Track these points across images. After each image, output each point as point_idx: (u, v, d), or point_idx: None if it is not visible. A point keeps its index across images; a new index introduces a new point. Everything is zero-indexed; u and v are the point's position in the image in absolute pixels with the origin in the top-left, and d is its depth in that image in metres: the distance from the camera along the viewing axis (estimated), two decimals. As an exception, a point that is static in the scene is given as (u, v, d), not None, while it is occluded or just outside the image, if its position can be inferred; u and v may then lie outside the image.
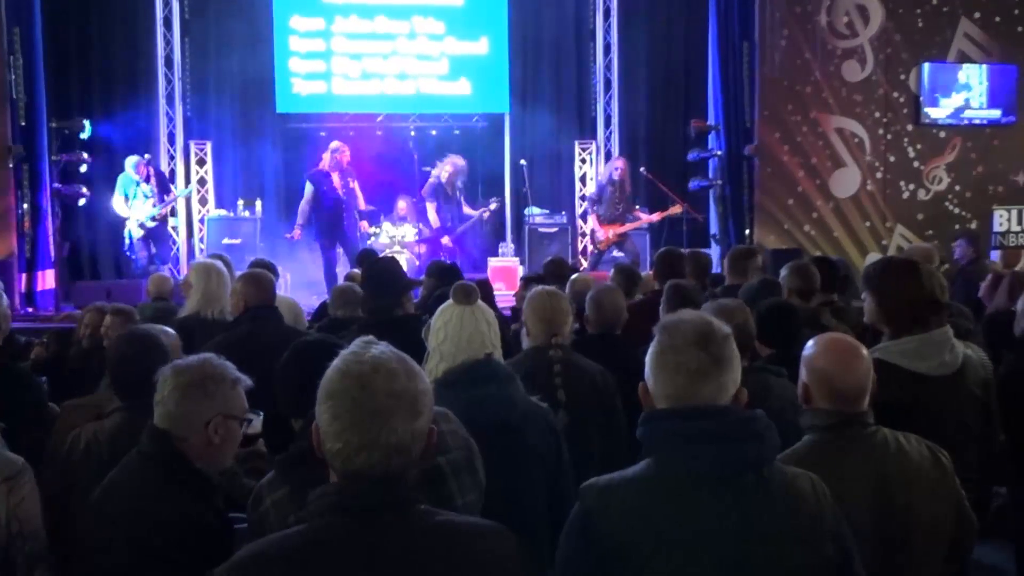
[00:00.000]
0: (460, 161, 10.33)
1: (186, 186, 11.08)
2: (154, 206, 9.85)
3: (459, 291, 2.70)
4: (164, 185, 10.31)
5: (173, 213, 10.67)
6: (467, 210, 10.37)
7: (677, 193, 10.95)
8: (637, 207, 10.61)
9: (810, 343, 2.38)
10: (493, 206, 10.68)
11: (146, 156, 10.22)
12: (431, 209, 10.11)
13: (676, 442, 1.81)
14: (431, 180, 10.25)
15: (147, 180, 9.89)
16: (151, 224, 9.83)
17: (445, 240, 10.00)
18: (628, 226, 10.17)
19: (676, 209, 10.30)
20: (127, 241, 9.96)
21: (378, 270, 4.29)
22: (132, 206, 9.80)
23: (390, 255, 6.59)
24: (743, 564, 1.76)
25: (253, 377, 2.34)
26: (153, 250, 9.99)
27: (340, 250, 9.81)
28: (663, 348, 1.88)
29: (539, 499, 2.54)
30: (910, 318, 2.95)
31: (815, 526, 1.82)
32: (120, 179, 9.89)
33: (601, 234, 10.09)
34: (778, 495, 1.81)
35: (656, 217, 10.45)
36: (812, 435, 2.30)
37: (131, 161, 9.94)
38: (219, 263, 4.69)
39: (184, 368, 2.26)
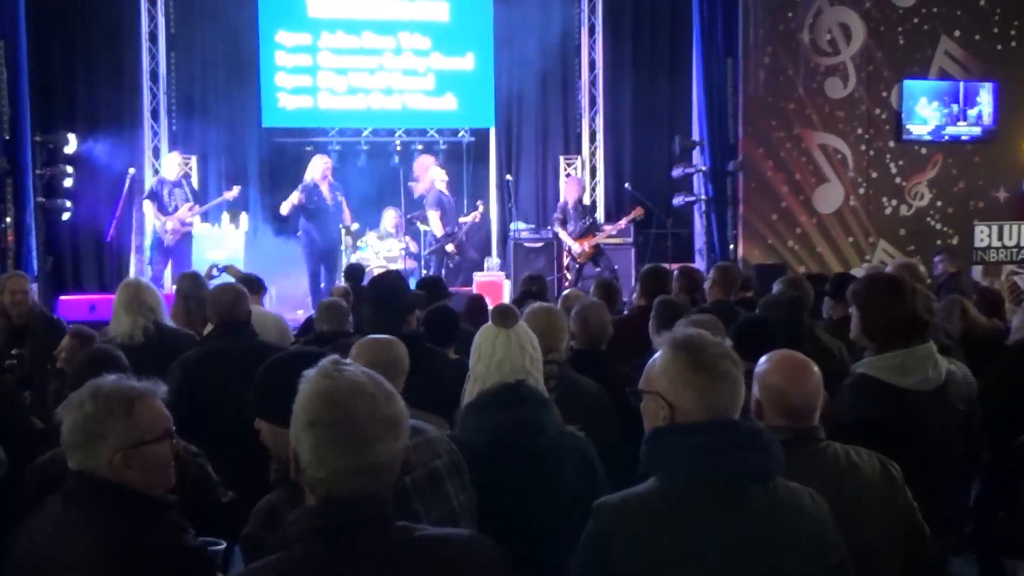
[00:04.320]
0: (441, 169, 10.45)
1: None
2: (190, 210, 9.76)
3: (496, 313, 2.59)
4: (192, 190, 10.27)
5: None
6: (461, 218, 10.47)
7: (661, 208, 11.02)
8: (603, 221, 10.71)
9: (762, 359, 2.38)
10: (480, 208, 10.75)
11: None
12: (434, 217, 10.08)
13: (688, 456, 1.82)
14: (433, 189, 10.24)
15: (179, 184, 9.85)
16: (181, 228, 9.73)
17: (450, 248, 10.01)
18: (600, 236, 10.23)
19: (638, 212, 10.33)
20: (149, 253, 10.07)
21: (381, 286, 4.09)
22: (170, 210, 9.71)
23: (393, 269, 6.51)
24: (756, 575, 1.79)
25: (221, 392, 2.23)
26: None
27: (322, 267, 9.81)
28: (695, 362, 1.86)
29: (564, 529, 2.39)
30: (894, 334, 2.97)
31: (820, 536, 1.86)
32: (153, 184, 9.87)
33: (577, 247, 10.13)
34: (785, 507, 1.84)
35: (623, 223, 10.49)
36: None
37: (172, 160, 10.03)
38: (142, 281, 4.29)
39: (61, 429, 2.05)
